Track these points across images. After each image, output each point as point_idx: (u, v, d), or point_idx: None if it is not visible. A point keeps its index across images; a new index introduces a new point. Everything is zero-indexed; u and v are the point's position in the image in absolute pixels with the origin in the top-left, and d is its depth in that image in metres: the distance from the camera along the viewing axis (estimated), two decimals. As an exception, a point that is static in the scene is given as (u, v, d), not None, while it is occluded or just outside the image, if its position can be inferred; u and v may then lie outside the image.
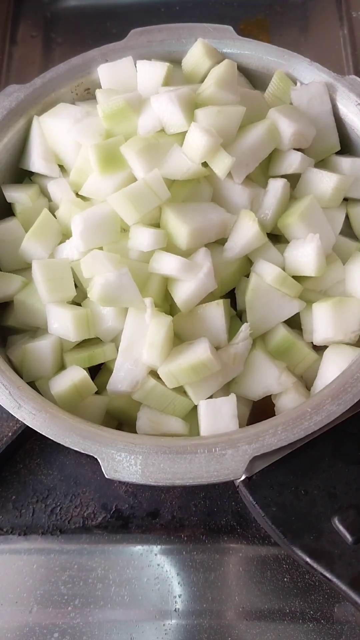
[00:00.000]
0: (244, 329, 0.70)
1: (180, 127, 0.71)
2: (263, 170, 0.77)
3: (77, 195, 0.77)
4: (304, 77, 0.81)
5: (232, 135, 0.72)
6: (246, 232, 0.71)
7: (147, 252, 0.70)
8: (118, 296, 0.67)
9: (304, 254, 0.71)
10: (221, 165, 0.69)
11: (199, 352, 0.66)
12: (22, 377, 0.68)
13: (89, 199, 0.76)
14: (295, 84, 0.81)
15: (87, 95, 0.84)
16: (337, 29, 1.11)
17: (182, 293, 0.69)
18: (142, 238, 0.69)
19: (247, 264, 0.74)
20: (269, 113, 0.75)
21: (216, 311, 0.70)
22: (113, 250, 0.71)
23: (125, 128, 0.73)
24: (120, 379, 0.69)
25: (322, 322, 0.70)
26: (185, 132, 0.70)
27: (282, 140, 0.74)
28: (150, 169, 0.69)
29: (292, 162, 0.74)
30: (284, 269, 0.72)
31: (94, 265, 0.69)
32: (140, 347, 0.68)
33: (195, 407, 0.69)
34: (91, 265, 0.69)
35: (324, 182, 0.74)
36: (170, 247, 0.71)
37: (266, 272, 0.71)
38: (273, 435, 0.61)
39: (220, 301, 0.70)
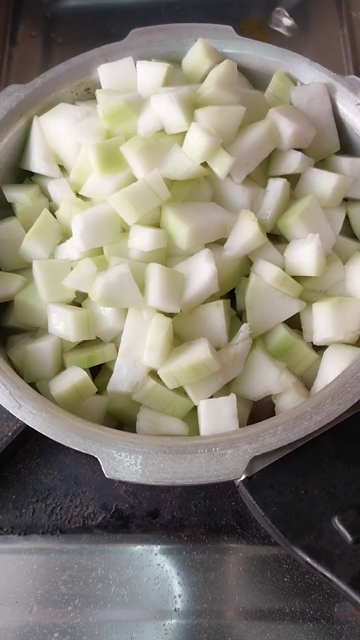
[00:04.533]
0: (244, 329, 0.70)
1: (180, 127, 0.71)
2: (263, 170, 0.77)
3: (77, 195, 0.77)
4: (304, 77, 0.81)
5: (232, 135, 0.72)
6: (246, 232, 0.71)
7: (147, 252, 0.70)
8: (119, 296, 0.67)
9: (304, 254, 0.71)
10: (221, 165, 0.69)
11: (199, 352, 0.66)
12: (22, 378, 0.68)
13: (89, 199, 0.76)
14: (296, 84, 0.81)
15: (87, 95, 0.84)
16: (337, 29, 1.11)
17: (185, 295, 0.69)
18: (142, 238, 0.69)
19: (247, 264, 0.74)
20: (269, 113, 0.75)
21: (216, 312, 0.70)
22: (113, 250, 0.71)
23: (125, 128, 0.73)
24: (121, 379, 0.69)
25: (322, 322, 0.70)
26: (185, 132, 0.70)
27: (282, 140, 0.74)
28: (150, 169, 0.69)
29: (292, 162, 0.74)
30: (283, 269, 0.72)
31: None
32: (140, 348, 0.68)
33: (195, 408, 0.69)
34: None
35: (324, 182, 0.74)
36: (170, 247, 0.71)
37: (266, 272, 0.71)
38: (273, 435, 0.61)
39: (221, 302, 0.70)
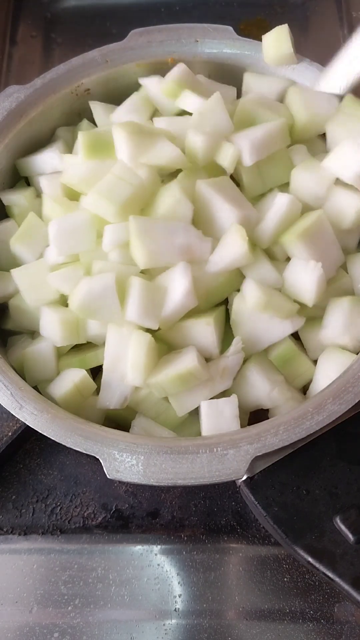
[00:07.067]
0: (235, 343, 0.68)
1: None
2: (262, 173, 0.76)
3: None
4: (304, 78, 0.81)
5: (227, 121, 0.72)
6: (234, 250, 0.67)
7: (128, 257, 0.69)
8: (98, 308, 0.66)
9: (303, 283, 0.68)
10: (225, 157, 0.69)
11: (187, 361, 0.65)
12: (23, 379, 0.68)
13: (76, 198, 0.75)
14: (295, 84, 0.81)
15: (88, 95, 0.84)
16: (337, 29, 1.11)
17: (163, 310, 0.67)
18: (105, 237, 0.68)
19: (237, 277, 0.71)
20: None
21: (205, 330, 0.67)
22: (89, 258, 0.70)
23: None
24: (109, 396, 0.68)
25: (337, 317, 0.69)
26: (185, 132, 0.71)
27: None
28: (135, 154, 0.68)
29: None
30: (281, 287, 0.70)
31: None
32: (124, 363, 0.67)
33: (189, 417, 0.69)
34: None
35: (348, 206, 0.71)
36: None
37: (248, 295, 0.68)
38: (274, 435, 0.61)
39: (210, 320, 0.67)
